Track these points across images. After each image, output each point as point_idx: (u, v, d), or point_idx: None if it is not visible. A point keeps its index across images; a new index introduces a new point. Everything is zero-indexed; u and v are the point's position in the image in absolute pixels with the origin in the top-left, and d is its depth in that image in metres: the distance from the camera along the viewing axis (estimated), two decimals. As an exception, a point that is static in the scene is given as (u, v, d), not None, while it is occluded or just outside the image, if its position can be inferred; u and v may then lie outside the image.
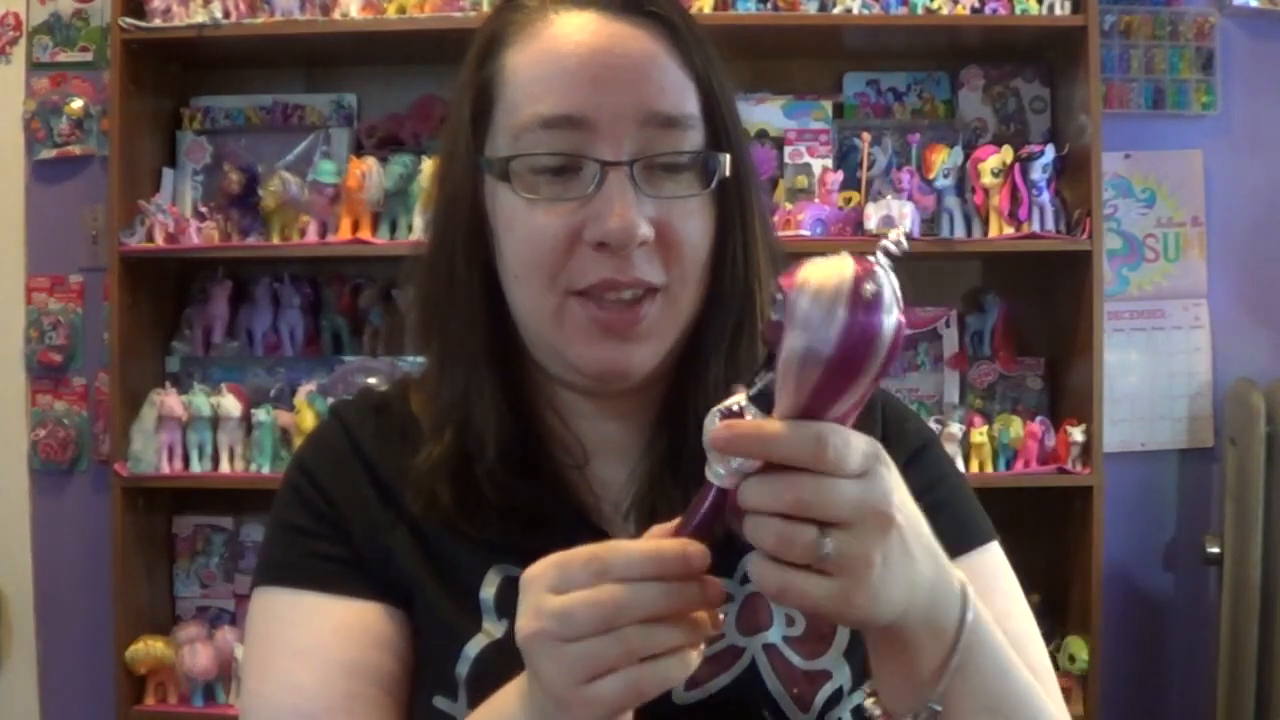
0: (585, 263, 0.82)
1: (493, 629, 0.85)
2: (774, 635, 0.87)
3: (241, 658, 0.94)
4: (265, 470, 2.53)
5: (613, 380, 0.84)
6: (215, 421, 2.54)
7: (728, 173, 0.84)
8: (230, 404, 2.54)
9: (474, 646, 0.85)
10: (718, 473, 0.65)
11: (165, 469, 2.52)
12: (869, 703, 0.74)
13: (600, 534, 0.87)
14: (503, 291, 0.87)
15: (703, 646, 0.68)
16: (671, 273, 0.83)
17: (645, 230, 0.81)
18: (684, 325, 0.86)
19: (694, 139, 0.84)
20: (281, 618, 0.89)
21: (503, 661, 0.82)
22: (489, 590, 0.86)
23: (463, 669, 0.84)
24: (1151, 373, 2.78)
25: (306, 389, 2.56)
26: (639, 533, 0.71)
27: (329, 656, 0.85)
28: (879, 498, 0.64)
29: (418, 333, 0.93)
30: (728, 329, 0.87)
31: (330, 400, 2.46)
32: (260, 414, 2.54)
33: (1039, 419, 2.57)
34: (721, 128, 0.86)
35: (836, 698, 0.86)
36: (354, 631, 0.86)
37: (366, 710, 0.84)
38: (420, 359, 0.95)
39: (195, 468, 2.54)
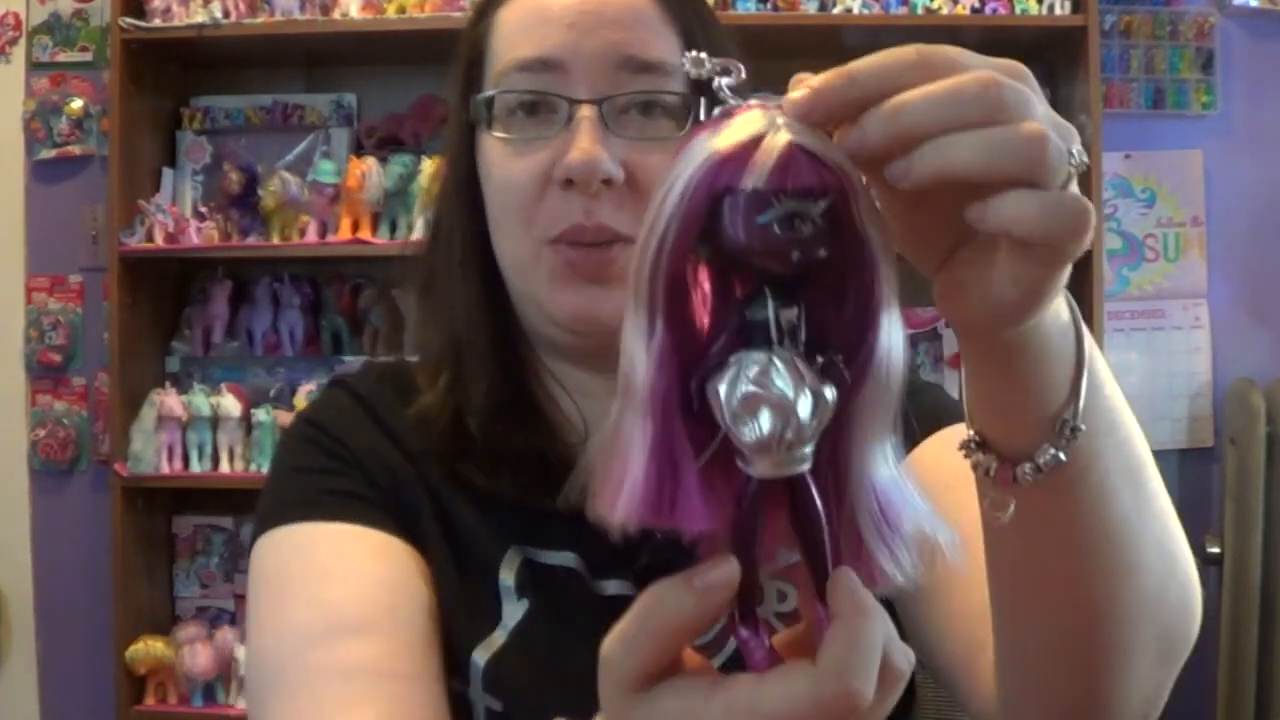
0: (555, 206, 0.81)
1: (514, 611, 0.83)
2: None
3: (249, 606, 0.83)
4: (265, 470, 2.52)
5: (586, 327, 0.83)
6: (215, 421, 2.54)
7: (703, 117, 0.83)
8: (230, 404, 2.54)
9: (485, 650, 0.83)
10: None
11: (165, 469, 2.52)
12: (979, 458, 0.60)
13: None
14: (497, 263, 0.87)
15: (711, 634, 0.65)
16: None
17: (610, 167, 0.80)
18: None
19: (672, 86, 0.84)
20: (302, 546, 0.82)
21: (520, 648, 0.82)
22: (508, 572, 0.85)
23: (480, 656, 0.82)
24: (1151, 373, 2.78)
25: (306, 389, 2.56)
26: None
27: (365, 573, 0.79)
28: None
29: (417, 300, 0.92)
30: None
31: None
32: (260, 414, 2.54)
33: (1039, 419, 2.57)
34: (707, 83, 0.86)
35: None
36: (391, 552, 0.82)
37: (410, 630, 0.78)
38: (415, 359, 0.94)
39: (195, 468, 2.54)
